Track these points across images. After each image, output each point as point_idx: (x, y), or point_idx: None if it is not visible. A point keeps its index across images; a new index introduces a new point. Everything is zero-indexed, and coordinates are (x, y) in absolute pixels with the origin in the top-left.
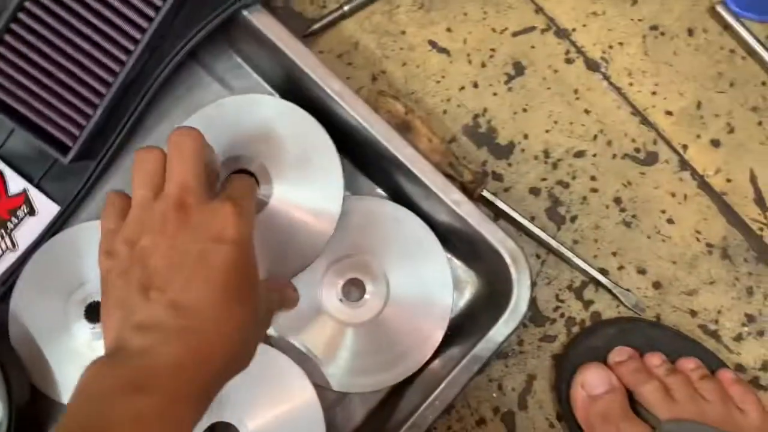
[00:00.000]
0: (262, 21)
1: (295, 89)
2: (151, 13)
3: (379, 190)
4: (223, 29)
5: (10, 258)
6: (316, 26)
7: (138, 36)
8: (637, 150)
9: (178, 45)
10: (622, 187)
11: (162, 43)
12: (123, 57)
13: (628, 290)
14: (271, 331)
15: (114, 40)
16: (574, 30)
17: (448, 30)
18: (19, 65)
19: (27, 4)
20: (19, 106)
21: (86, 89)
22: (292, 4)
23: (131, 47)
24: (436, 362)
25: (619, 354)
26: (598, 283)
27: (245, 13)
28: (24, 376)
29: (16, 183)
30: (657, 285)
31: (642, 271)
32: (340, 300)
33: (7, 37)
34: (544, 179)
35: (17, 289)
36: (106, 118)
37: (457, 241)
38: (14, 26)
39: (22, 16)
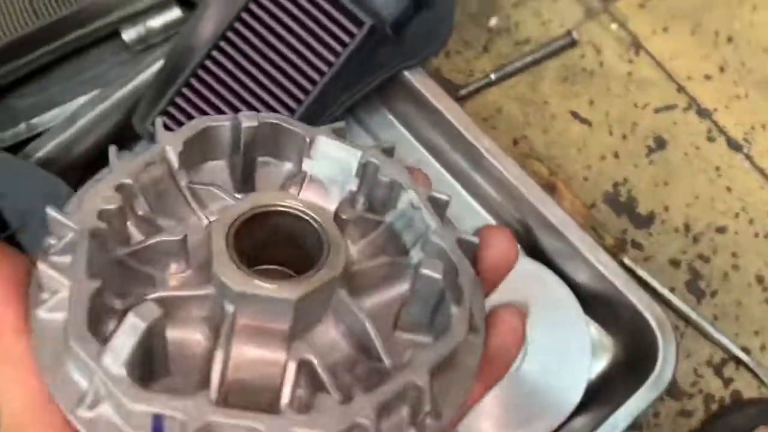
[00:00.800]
0: (421, 81)
1: (442, 146)
2: (324, 68)
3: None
4: (378, 88)
5: None
6: (464, 91)
7: (310, 87)
8: None
9: (341, 99)
10: (765, 266)
11: (327, 97)
12: (294, 106)
13: None
14: None
15: (288, 90)
16: (715, 110)
17: (591, 102)
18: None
19: (207, 63)
20: None
21: None
22: (442, 71)
23: (302, 97)
24: (572, 425)
25: None
26: (739, 362)
27: (406, 73)
28: None
29: None
30: None
31: None
32: None
33: (186, 91)
34: (684, 252)
35: None
36: None
37: (597, 304)
38: (193, 81)
39: (201, 72)
